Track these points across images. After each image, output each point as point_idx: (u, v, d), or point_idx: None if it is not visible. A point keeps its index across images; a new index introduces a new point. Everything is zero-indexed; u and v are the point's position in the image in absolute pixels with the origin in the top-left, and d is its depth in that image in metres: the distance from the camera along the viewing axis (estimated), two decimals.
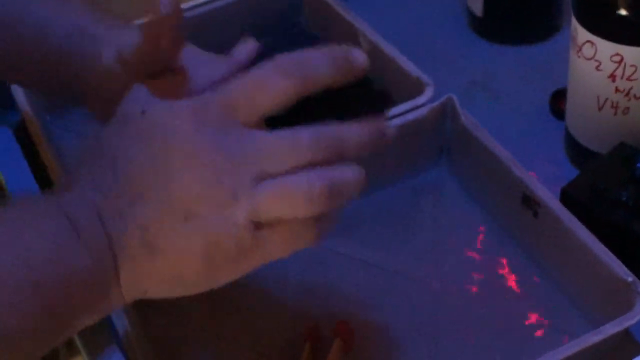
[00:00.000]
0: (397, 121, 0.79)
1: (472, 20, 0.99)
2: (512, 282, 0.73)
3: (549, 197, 0.71)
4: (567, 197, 0.72)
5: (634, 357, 0.63)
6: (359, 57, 0.56)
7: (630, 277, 0.65)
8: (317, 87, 0.54)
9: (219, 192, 0.51)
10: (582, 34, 0.75)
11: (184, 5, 0.92)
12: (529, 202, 0.72)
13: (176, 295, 0.55)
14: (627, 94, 0.76)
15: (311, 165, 0.52)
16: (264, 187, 0.52)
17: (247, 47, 0.64)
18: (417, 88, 0.82)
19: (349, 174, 0.54)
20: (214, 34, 0.87)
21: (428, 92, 0.81)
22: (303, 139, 0.53)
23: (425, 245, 0.77)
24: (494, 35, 0.98)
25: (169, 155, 0.52)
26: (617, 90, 0.75)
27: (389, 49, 0.87)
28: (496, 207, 0.77)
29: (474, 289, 0.73)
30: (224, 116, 0.53)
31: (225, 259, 0.53)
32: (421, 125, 0.80)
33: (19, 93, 0.85)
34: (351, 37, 0.91)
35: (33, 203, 0.54)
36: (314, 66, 0.54)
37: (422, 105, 0.80)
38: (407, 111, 0.80)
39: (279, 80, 0.53)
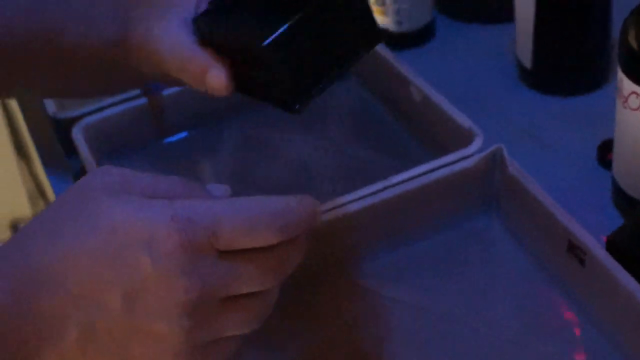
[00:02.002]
0: (446, 170, 0.82)
1: (521, 72, 1.01)
2: (557, 326, 0.75)
3: (595, 245, 0.73)
4: (613, 246, 0.74)
5: None
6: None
7: None
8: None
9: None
10: (628, 85, 0.77)
11: None
12: (575, 250, 0.74)
13: None
14: None
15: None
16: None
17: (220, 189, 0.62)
18: (466, 138, 0.84)
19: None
20: None
21: (477, 142, 0.83)
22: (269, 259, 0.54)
23: (473, 291, 0.79)
24: (543, 86, 1.00)
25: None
26: None
27: (439, 100, 0.89)
28: (543, 254, 0.79)
29: (519, 333, 0.75)
30: (207, 246, 0.52)
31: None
32: (470, 174, 0.82)
33: (79, 138, 0.89)
34: (403, 87, 0.94)
35: None
36: (297, 222, 0.55)
37: (472, 154, 0.83)
38: (457, 160, 0.82)
39: (268, 234, 0.53)
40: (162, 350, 0.51)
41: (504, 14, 1.06)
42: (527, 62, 0.99)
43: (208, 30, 0.64)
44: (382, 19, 1.07)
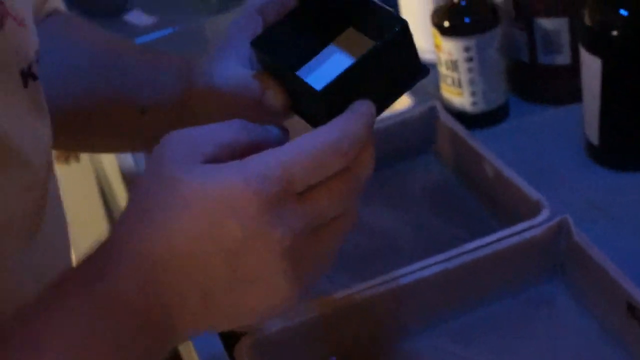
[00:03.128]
0: (516, 238, 0.89)
1: (589, 149, 1.08)
2: None
3: None
4: None
5: None
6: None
7: None
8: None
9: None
10: None
11: None
12: (635, 311, 0.80)
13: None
14: None
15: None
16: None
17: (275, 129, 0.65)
18: (535, 209, 0.91)
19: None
20: None
21: (545, 213, 0.90)
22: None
23: (540, 354, 0.85)
24: (609, 162, 1.06)
25: (234, 242, 0.55)
26: None
27: (510, 174, 0.97)
28: (605, 318, 0.85)
29: None
30: (284, 195, 0.56)
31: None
32: (538, 242, 0.89)
33: None
34: (477, 161, 1.01)
35: (83, 298, 0.56)
36: (358, 137, 0.58)
37: (539, 224, 0.90)
38: (526, 229, 0.89)
39: (336, 161, 0.57)
40: (273, 294, 0.57)
41: (575, 95, 1.12)
42: (594, 139, 1.06)
43: (262, 56, 0.69)
44: (459, 100, 1.15)
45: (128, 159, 1.19)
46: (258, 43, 0.68)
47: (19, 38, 0.66)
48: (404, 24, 0.63)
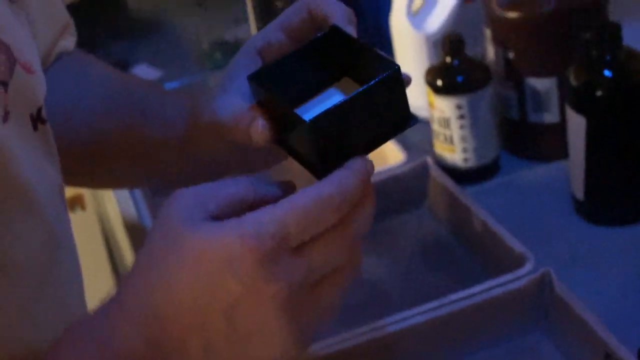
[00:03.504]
0: (500, 289, 0.92)
1: (574, 203, 1.12)
2: None
3: (629, 356, 0.82)
4: None
5: None
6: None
7: None
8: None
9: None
10: None
11: None
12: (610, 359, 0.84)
13: None
14: None
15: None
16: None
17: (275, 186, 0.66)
18: (519, 261, 0.95)
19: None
20: None
21: (529, 265, 0.94)
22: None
23: None
24: (594, 217, 1.10)
25: (228, 296, 0.58)
26: None
27: (497, 227, 1.01)
28: None
29: None
30: (280, 250, 0.58)
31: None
32: (522, 293, 0.93)
33: None
34: (467, 215, 1.06)
35: (91, 352, 0.60)
36: (352, 191, 0.60)
37: (523, 276, 0.93)
38: (510, 281, 0.93)
39: (330, 215, 0.59)
40: (272, 346, 0.59)
41: (563, 152, 1.15)
42: (580, 194, 1.10)
43: (257, 89, 0.69)
44: (451, 156, 1.19)
45: (131, 209, 1.23)
46: (254, 77, 0.70)
47: (28, 84, 0.70)
48: (397, 68, 0.64)
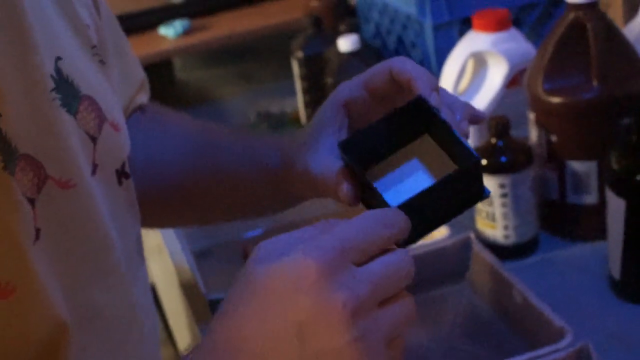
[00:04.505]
0: None
1: (611, 282, 1.16)
2: None
3: None
4: None
5: None
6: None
7: None
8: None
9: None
10: None
11: None
12: None
13: None
14: None
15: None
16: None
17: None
18: (559, 335, 0.99)
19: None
20: None
21: (568, 338, 0.98)
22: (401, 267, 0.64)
23: None
24: (630, 295, 1.14)
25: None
26: None
27: (537, 301, 1.05)
28: None
29: None
30: (341, 261, 0.61)
31: None
32: None
33: None
34: (507, 289, 1.10)
35: None
36: (394, 220, 0.65)
37: (563, 349, 0.97)
38: (549, 353, 0.97)
39: (379, 230, 0.64)
40: None
41: (600, 233, 1.20)
42: (617, 274, 1.14)
43: (347, 158, 0.76)
44: (492, 232, 1.23)
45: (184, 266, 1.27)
46: (344, 145, 0.76)
47: (115, 141, 0.76)
48: (477, 159, 0.71)
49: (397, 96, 0.81)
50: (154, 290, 1.57)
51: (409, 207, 0.68)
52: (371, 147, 0.76)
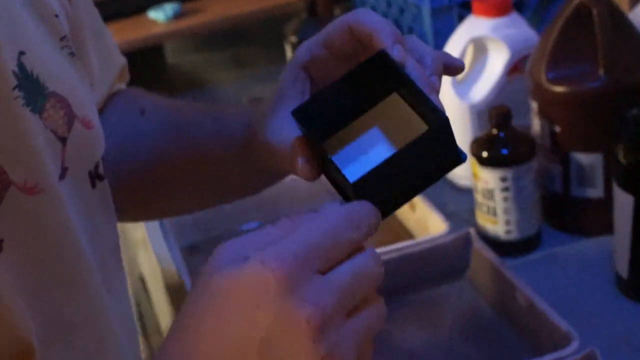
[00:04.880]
0: None
1: (618, 281, 1.10)
2: None
3: None
4: None
5: None
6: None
7: None
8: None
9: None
10: None
11: None
12: None
13: None
14: None
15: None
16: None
17: None
18: (565, 340, 0.94)
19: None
20: None
21: (574, 345, 0.93)
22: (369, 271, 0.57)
23: None
24: (638, 296, 1.09)
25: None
26: None
27: (542, 305, 1.00)
28: None
29: None
30: (303, 271, 0.55)
31: None
32: None
33: None
34: (510, 290, 1.05)
35: None
36: (363, 217, 0.59)
37: (568, 356, 0.92)
38: None
39: (344, 233, 0.57)
40: None
41: (605, 228, 1.16)
42: (624, 273, 1.08)
43: (300, 127, 0.67)
44: (493, 228, 1.18)
45: (169, 264, 1.22)
46: (299, 113, 0.67)
47: (86, 140, 0.70)
48: (445, 119, 0.62)
49: (362, 53, 0.72)
50: (143, 282, 1.53)
51: (371, 181, 0.61)
52: (331, 112, 0.68)
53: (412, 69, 0.66)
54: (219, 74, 1.96)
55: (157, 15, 1.86)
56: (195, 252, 1.28)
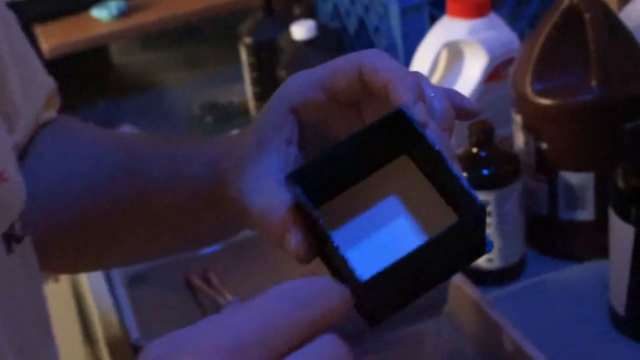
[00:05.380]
0: None
1: (614, 318, 1.00)
2: None
3: None
4: None
5: None
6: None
7: None
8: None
9: None
10: None
11: None
12: None
13: None
14: None
15: None
16: None
17: None
18: None
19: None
20: None
21: None
22: None
23: None
24: (636, 334, 0.98)
25: None
26: None
27: (530, 349, 0.90)
28: None
29: None
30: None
31: None
32: None
33: None
34: (494, 331, 0.94)
35: None
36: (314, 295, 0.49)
37: None
38: None
39: (310, 319, 0.47)
40: None
41: (596, 252, 1.07)
42: (621, 309, 0.98)
43: (297, 197, 0.56)
44: None
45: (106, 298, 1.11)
46: (294, 179, 0.56)
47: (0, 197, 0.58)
48: (481, 206, 0.52)
49: (365, 101, 0.61)
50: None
51: (386, 277, 0.50)
52: (332, 178, 0.57)
53: (434, 134, 0.55)
54: (169, 75, 1.85)
55: (101, 13, 1.74)
56: (136, 284, 1.16)
